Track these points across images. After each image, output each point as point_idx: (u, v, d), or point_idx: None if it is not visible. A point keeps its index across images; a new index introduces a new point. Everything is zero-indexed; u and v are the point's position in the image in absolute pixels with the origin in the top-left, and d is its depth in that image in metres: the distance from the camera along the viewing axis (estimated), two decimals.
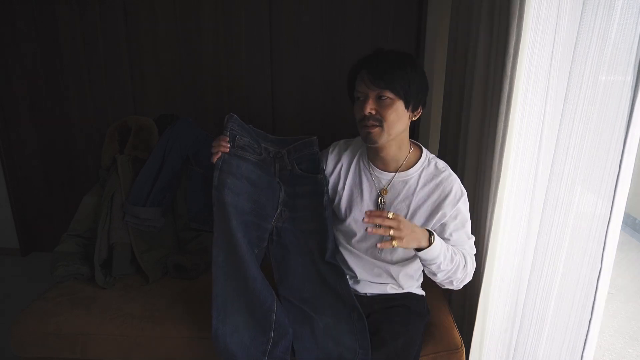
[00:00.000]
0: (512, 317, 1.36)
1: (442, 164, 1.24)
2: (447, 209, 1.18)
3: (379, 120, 1.13)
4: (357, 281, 1.30)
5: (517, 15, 1.13)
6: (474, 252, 1.24)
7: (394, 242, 1.00)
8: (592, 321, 1.21)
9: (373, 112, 1.14)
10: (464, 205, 1.21)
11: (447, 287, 1.21)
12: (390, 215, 1.00)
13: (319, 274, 1.27)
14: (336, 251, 1.33)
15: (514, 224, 1.28)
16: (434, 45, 1.94)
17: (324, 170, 1.32)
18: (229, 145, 1.23)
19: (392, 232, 1.00)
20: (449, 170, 1.22)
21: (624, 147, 1.05)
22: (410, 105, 1.15)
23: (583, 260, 1.19)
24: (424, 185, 1.20)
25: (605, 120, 1.07)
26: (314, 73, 2.12)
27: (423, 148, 1.27)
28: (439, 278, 1.15)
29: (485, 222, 1.35)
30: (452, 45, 1.67)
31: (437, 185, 1.20)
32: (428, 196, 1.20)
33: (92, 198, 1.66)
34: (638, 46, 0.98)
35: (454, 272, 1.14)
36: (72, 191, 2.39)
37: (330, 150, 1.35)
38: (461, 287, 1.22)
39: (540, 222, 1.24)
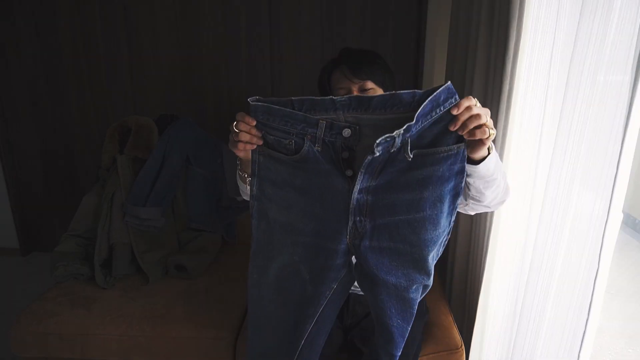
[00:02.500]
0: (512, 316, 1.36)
1: None
2: None
3: None
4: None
5: (517, 15, 1.13)
6: None
7: (492, 132, 0.79)
8: (589, 321, 1.22)
9: None
10: None
11: (487, 208, 1.01)
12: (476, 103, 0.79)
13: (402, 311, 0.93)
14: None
15: (514, 223, 1.28)
16: (434, 45, 1.94)
17: (462, 139, 0.81)
18: (260, 135, 0.86)
19: (483, 125, 0.78)
20: None
21: (622, 146, 1.06)
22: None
23: (581, 260, 1.20)
24: None
25: (604, 120, 1.07)
26: (314, 72, 2.11)
27: None
28: (490, 195, 0.94)
29: (485, 222, 1.35)
30: (452, 45, 1.68)
31: None
32: None
33: (92, 198, 1.66)
34: (636, 46, 0.99)
35: (502, 176, 0.94)
36: (72, 191, 2.39)
37: None
38: (499, 206, 1.03)
39: (538, 222, 1.25)
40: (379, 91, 1.14)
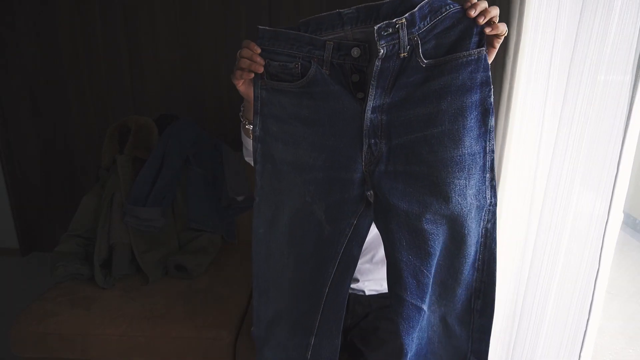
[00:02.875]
0: (512, 316, 1.36)
1: None
2: None
3: None
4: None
5: (517, 15, 1.13)
6: None
7: (491, 28, 0.74)
8: (590, 321, 1.22)
9: None
10: None
11: None
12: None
13: (455, 241, 0.81)
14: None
15: (513, 223, 1.28)
16: None
17: (483, 43, 0.75)
18: (263, 63, 0.81)
19: (494, 17, 0.74)
20: None
21: (622, 146, 1.05)
22: None
23: (581, 260, 1.19)
24: None
25: (604, 120, 1.07)
26: None
27: None
28: None
29: None
30: None
31: None
32: None
33: (92, 198, 1.66)
34: (637, 46, 0.99)
35: None
36: (72, 191, 2.39)
37: None
38: None
39: (538, 222, 1.24)
40: None
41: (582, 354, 1.25)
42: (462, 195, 0.77)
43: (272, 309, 0.92)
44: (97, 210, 1.63)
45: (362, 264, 1.25)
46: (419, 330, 0.89)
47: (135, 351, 1.31)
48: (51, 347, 1.33)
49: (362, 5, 0.75)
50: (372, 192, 0.82)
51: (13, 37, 2.17)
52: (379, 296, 1.28)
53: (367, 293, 1.27)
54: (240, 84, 0.83)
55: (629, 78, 1.00)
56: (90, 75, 2.20)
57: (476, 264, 0.84)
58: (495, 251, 0.83)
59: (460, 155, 0.76)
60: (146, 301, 1.43)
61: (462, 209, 0.78)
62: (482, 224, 0.81)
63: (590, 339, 1.23)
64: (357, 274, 1.24)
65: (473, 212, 0.79)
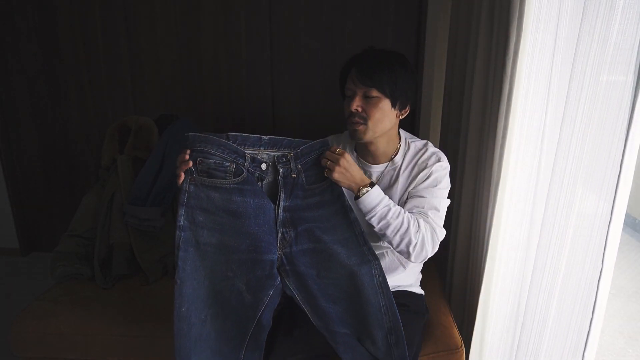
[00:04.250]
0: (514, 316, 1.36)
1: (421, 143, 1.26)
2: (421, 173, 1.20)
3: (364, 118, 1.16)
4: None
5: (517, 15, 1.13)
6: (438, 227, 1.16)
7: (326, 171, 1.11)
8: (594, 321, 1.22)
9: (359, 109, 1.16)
10: (438, 170, 1.19)
11: (405, 253, 1.14)
12: (338, 151, 1.11)
13: (357, 289, 1.10)
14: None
15: (515, 224, 1.28)
16: (434, 45, 1.94)
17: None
18: (187, 159, 1.03)
19: (328, 163, 1.11)
20: (429, 146, 1.24)
21: (625, 146, 1.06)
22: (397, 103, 1.16)
23: (585, 260, 1.20)
24: (407, 166, 1.23)
25: (607, 120, 1.07)
26: (314, 73, 2.12)
27: (401, 133, 1.28)
28: (388, 236, 1.11)
29: (485, 222, 1.35)
30: (452, 45, 1.68)
31: (418, 161, 1.22)
32: (410, 173, 1.22)
33: (92, 198, 1.66)
34: (639, 46, 0.99)
35: (405, 232, 1.10)
36: (72, 191, 2.39)
37: None
38: (420, 259, 1.14)
39: (542, 222, 1.24)
40: (384, 101, 1.14)
41: (585, 354, 1.25)
42: (347, 261, 1.10)
43: None
44: (97, 210, 1.63)
45: None
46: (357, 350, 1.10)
47: (135, 351, 1.31)
48: (51, 347, 1.33)
49: (274, 137, 1.08)
50: (288, 267, 1.07)
51: (13, 37, 2.17)
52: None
53: None
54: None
55: (631, 78, 1.00)
56: (90, 75, 2.20)
57: (382, 309, 1.10)
58: (392, 297, 1.11)
59: (338, 239, 1.12)
60: (146, 301, 1.43)
61: (351, 269, 1.10)
62: (375, 279, 1.11)
63: (594, 339, 1.23)
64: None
65: (361, 270, 1.10)
